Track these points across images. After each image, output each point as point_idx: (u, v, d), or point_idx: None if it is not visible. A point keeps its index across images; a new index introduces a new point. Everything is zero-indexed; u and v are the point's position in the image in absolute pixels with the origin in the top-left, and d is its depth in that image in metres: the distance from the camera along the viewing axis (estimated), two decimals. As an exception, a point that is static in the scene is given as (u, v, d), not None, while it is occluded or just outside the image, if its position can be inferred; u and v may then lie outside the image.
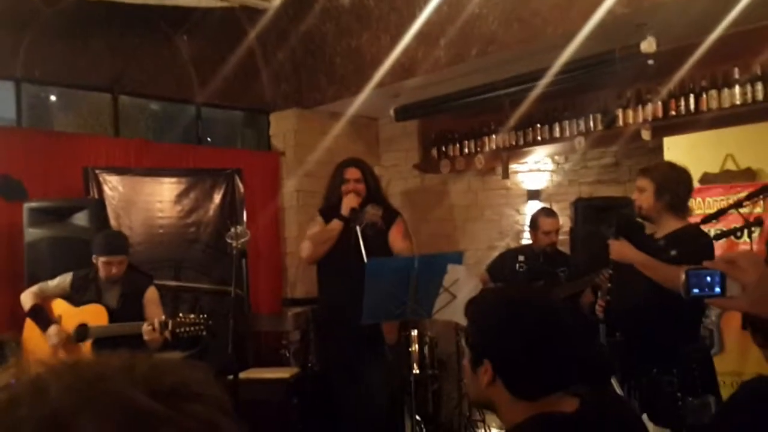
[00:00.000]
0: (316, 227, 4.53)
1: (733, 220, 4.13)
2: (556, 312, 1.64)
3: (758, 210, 4.25)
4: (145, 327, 3.88)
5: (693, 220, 3.60)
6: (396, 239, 4.43)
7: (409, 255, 4.07)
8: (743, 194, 3.66)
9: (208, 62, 6.07)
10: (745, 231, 3.81)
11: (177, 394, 0.59)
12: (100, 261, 4.03)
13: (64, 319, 4.06)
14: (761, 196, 3.46)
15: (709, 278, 1.49)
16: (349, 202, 4.36)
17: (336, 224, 4.37)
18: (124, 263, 4.08)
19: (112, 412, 0.56)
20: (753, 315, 1.79)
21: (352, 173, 4.51)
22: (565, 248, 5.09)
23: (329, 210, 4.50)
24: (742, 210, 3.53)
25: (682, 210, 3.42)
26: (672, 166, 3.52)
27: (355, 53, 5.99)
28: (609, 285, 3.55)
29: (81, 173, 5.40)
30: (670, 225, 3.37)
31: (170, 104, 6.70)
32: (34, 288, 4.18)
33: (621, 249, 3.38)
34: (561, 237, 5.01)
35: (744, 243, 4.33)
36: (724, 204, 4.35)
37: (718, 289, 1.48)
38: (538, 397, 1.56)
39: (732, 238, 4.04)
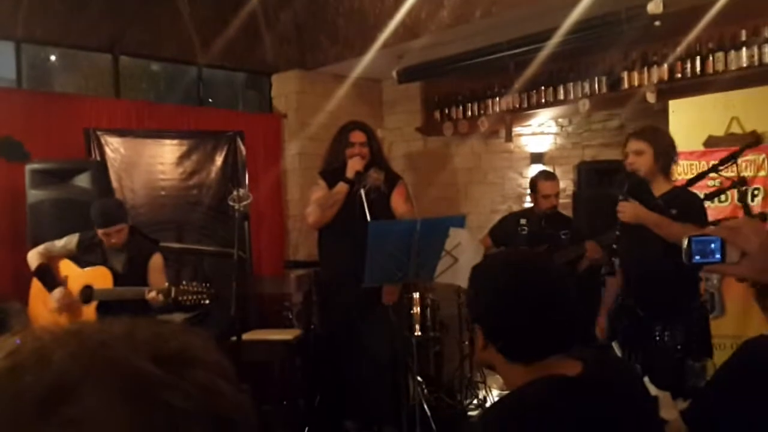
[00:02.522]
0: (320, 191, 4.51)
1: (726, 183, 4.13)
2: (543, 276, 1.62)
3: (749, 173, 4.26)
4: (148, 293, 3.91)
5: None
6: (398, 203, 4.43)
7: (411, 218, 4.07)
8: (717, 161, 3.69)
9: (210, 23, 6.01)
10: (733, 192, 3.80)
11: (178, 361, 0.59)
12: (99, 233, 4.05)
13: (70, 280, 4.09)
14: (734, 161, 3.49)
15: (711, 245, 1.49)
16: (354, 166, 4.34)
17: (342, 188, 4.35)
18: (123, 231, 4.08)
19: (115, 379, 0.56)
20: (755, 281, 1.80)
21: (358, 136, 4.48)
22: (567, 211, 5.09)
23: (332, 173, 4.48)
24: (725, 174, 3.56)
25: (670, 173, 3.53)
26: (663, 131, 3.66)
27: (358, 14, 5.92)
28: (614, 247, 3.50)
29: (82, 135, 5.39)
30: (662, 187, 3.47)
31: (171, 65, 6.65)
32: (41, 248, 4.19)
33: (635, 210, 3.36)
34: (564, 200, 5.00)
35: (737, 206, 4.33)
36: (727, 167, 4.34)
37: (718, 256, 1.49)
38: (532, 361, 1.56)
39: (736, 202, 4.03)
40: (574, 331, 1.61)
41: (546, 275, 1.62)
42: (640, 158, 3.43)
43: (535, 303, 1.57)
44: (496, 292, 1.62)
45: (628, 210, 3.38)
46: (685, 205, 3.34)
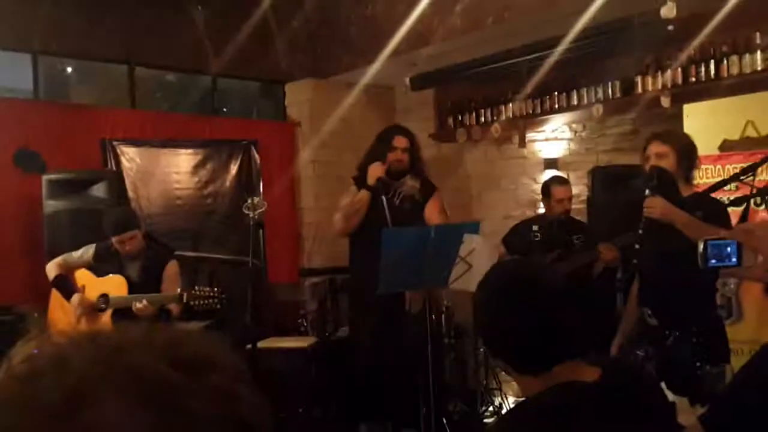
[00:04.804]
0: (348, 197, 4.46)
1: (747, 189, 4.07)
2: (534, 290, 1.59)
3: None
4: (137, 305, 3.90)
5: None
6: (432, 214, 4.37)
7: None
8: (740, 168, 3.58)
9: (224, 33, 6.05)
10: (758, 198, 3.73)
11: (195, 365, 0.60)
12: (113, 241, 4.09)
13: (87, 289, 4.14)
14: (752, 173, 3.37)
15: (727, 248, 1.48)
16: (374, 172, 4.26)
17: (363, 195, 4.29)
18: (136, 238, 4.11)
19: (134, 383, 0.57)
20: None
21: (401, 141, 4.40)
22: (581, 217, 5.07)
23: (365, 179, 4.39)
24: (747, 180, 3.44)
25: (692, 177, 3.39)
26: (684, 133, 3.49)
27: (370, 21, 5.94)
28: (637, 247, 3.31)
29: (99, 145, 5.43)
30: (684, 191, 3.32)
31: (186, 75, 6.70)
32: (59, 259, 4.25)
33: (665, 207, 3.14)
34: (578, 206, 4.97)
35: (763, 211, 4.30)
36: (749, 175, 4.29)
37: (734, 259, 1.48)
38: (538, 373, 1.55)
39: (752, 206, 4.00)
40: (577, 341, 1.58)
41: (537, 288, 1.59)
42: (662, 161, 3.27)
43: (526, 318, 1.55)
44: (488, 309, 1.63)
45: (659, 206, 3.15)
46: (710, 209, 3.21)
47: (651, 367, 3.23)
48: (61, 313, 4.17)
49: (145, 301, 3.92)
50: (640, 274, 3.46)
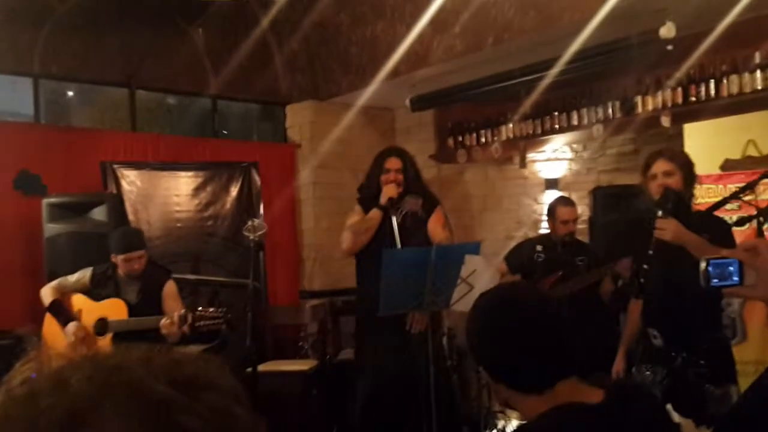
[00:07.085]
0: (355, 217, 4.47)
1: (749, 208, 4.06)
2: (524, 307, 1.63)
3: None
4: (164, 321, 3.89)
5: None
6: (435, 229, 4.36)
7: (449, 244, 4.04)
8: (739, 186, 3.56)
9: (223, 55, 6.08)
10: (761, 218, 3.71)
11: (194, 384, 0.60)
12: (119, 259, 4.04)
13: (84, 314, 4.09)
14: (751, 189, 3.35)
15: (729, 267, 1.46)
16: (387, 192, 4.29)
17: (375, 214, 4.31)
18: (143, 258, 4.09)
19: (132, 401, 0.57)
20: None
21: (393, 163, 4.45)
22: (583, 237, 5.05)
23: (368, 200, 4.45)
24: (748, 198, 3.43)
25: (693, 196, 3.37)
26: (684, 151, 3.49)
27: (370, 43, 5.96)
28: (645, 267, 3.18)
29: (99, 168, 5.43)
30: None
31: (186, 97, 6.72)
32: (54, 283, 4.20)
33: (677, 229, 3.06)
34: (579, 226, 4.96)
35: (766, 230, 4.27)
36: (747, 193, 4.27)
37: (736, 278, 1.46)
38: (543, 390, 1.55)
39: (754, 225, 3.98)
40: (572, 354, 1.60)
41: (526, 305, 1.63)
42: (670, 179, 3.22)
43: (519, 333, 1.58)
44: (483, 332, 1.65)
45: (671, 228, 3.06)
46: (715, 229, 3.18)
47: (657, 389, 3.19)
48: (61, 336, 4.13)
49: (170, 320, 3.86)
50: (648, 295, 3.41)
